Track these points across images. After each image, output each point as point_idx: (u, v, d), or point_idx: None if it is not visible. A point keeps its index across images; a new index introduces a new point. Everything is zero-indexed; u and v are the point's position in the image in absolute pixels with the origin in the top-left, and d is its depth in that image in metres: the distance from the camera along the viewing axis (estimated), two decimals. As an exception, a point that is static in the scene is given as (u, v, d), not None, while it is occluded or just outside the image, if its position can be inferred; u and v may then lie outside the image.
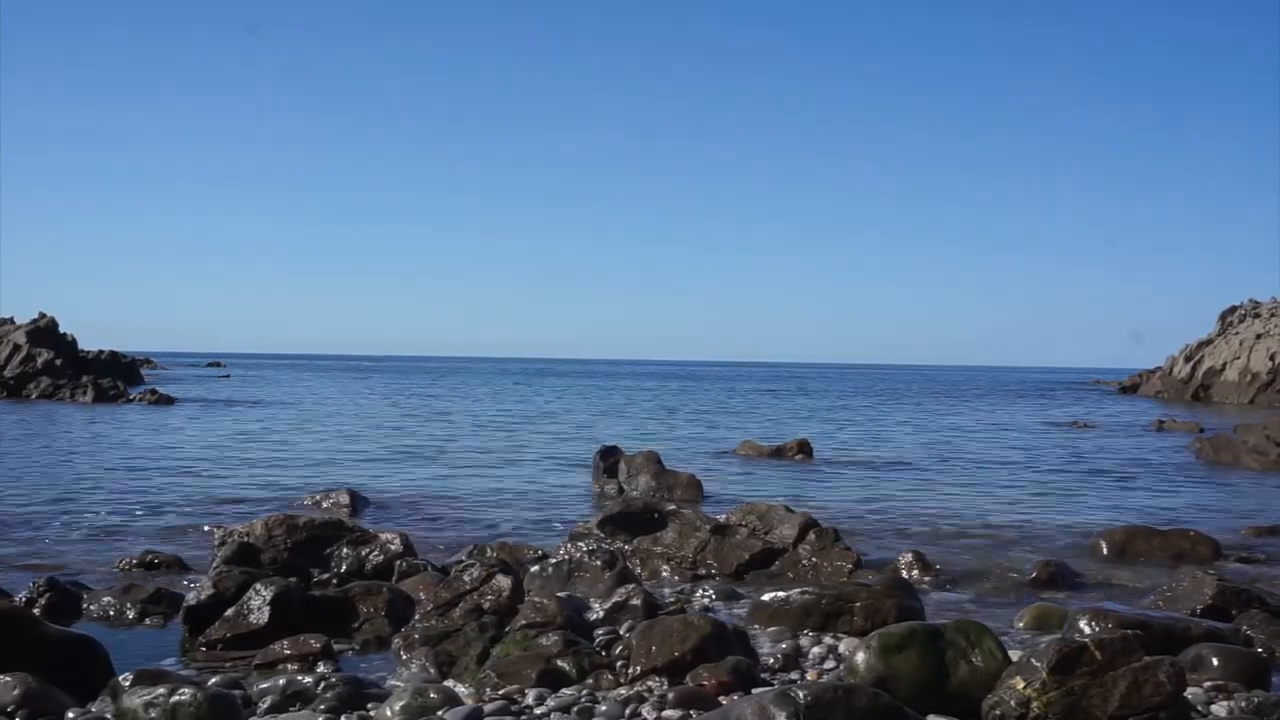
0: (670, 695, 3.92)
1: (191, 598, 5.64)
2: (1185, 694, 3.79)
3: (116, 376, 35.93)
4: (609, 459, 12.39)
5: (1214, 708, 4.02)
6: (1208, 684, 4.28)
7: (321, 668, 4.76)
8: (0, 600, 5.22)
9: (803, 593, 5.70)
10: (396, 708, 3.79)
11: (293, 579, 6.08)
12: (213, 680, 4.23)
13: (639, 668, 4.38)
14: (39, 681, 3.92)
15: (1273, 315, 45.94)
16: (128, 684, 3.98)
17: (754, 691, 3.96)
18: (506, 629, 4.95)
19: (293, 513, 8.64)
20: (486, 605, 5.20)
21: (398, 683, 4.35)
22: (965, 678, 3.77)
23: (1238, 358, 43.29)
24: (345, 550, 7.29)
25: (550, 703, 3.97)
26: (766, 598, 5.85)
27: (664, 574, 7.47)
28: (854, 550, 7.87)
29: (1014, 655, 3.97)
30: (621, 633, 4.94)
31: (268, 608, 5.40)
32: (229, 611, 5.48)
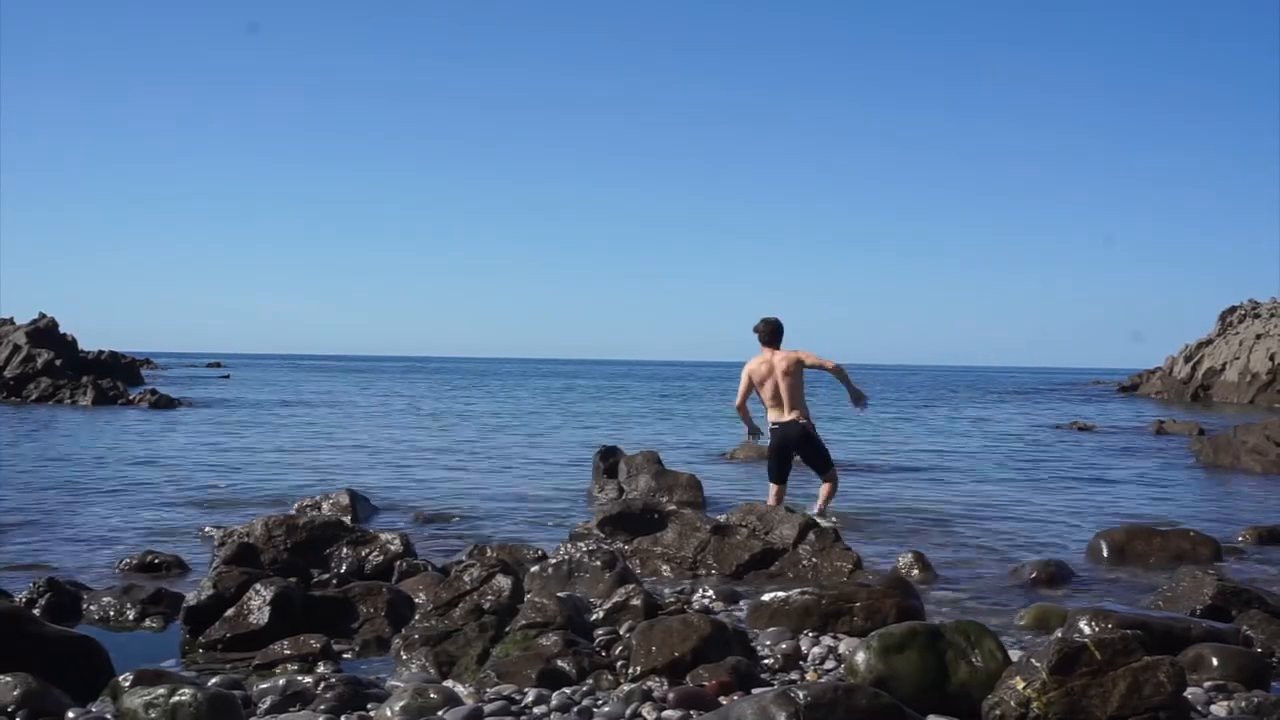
0: (670, 695, 3.92)
1: (191, 598, 5.64)
2: (1185, 694, 3.79)
3: (116, 377, 35.92)
4: (608, 459, 12.39)
5: (1214, 708, 4.03)
6: (1208, 684, 4.28)
7: (321, 668, 4.77)
8: (0, 600, 5.22)
9: (802, 593, 5.70)
10: (396, 708, 3.79)
11: (293, 579, 6.09)
12: (213, 680, 4.23)
13: (639, 668, 4.38)
14: (39, 681, 3.92)
15: (1273, 315, 45.96)
16: (128, 684, 3.98)
17: (754, 691, 3.96)
18: (506, 629, 4.95)
19: (293, 513, 8.65)
20: (486, 605, 5.20)
21: (398, 683, 4.35)
22: (965, 678, 3.77)
23: (1237, 358, 43.30)
24: (345, 551, 7.29)
25: (550, 702, 3.97)
26: (766, 598, 5.85)
27: (664, 574, 7.47)
28: (854, 550, 7.88)
29: (1014, 655, 3.97)
30: (621, 633, 4.94)
31: (268, 608, 5.40)
32: (229, 612, 5.48)
